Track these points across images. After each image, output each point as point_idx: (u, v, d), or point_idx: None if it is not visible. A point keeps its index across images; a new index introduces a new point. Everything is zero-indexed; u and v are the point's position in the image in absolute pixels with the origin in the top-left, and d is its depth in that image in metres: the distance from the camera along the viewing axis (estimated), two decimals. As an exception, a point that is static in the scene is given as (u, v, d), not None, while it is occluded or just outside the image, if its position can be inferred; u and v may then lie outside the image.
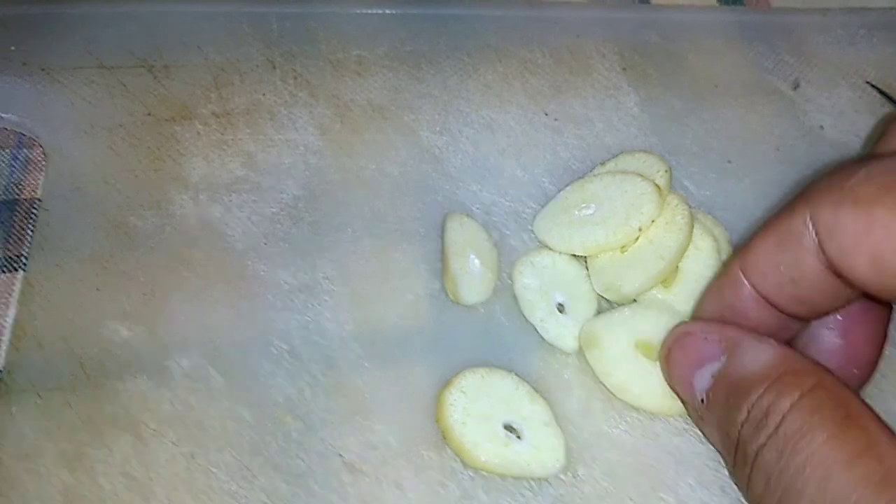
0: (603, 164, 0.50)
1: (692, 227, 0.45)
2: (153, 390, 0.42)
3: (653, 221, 0.45)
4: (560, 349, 0.45)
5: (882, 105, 0.56)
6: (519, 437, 0.41)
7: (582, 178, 0.49)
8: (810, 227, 0.34)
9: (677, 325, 0.41)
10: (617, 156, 0.50)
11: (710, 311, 0.41)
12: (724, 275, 0.40)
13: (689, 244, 0.45)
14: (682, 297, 0.44)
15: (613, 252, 0.46)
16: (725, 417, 0.36)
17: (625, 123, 0.54)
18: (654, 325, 0.43)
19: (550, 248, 0.47)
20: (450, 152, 0.52)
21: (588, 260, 0.46)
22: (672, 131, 0.54)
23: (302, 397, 0.43)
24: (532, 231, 0.48)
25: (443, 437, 0.41)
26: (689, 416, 0.40)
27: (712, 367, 0.38)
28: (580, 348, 0.44)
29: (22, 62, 0.55)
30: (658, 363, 0.42)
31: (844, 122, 0.55)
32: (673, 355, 0.40)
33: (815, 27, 0.61)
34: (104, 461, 0.40)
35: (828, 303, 0.37)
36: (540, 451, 0.41)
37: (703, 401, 0.38)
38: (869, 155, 0.37)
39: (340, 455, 0.41)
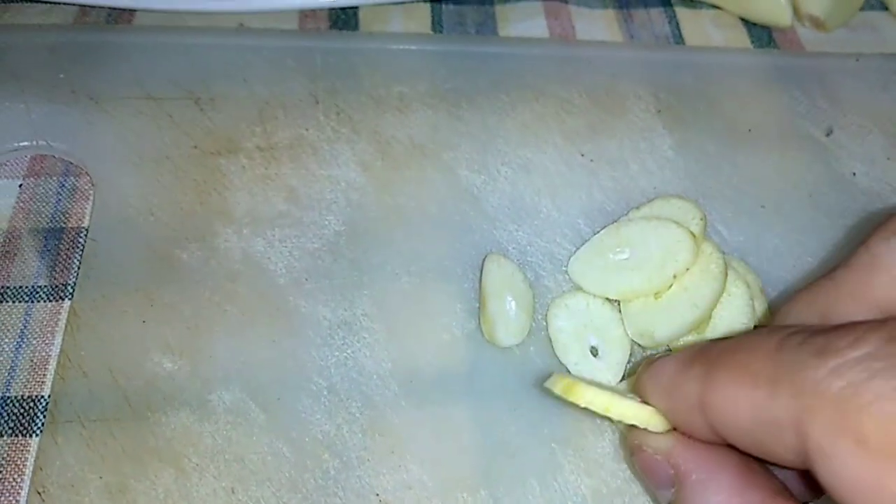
0: (637, 208, 0.51)
1: (726, 275, 0.46)
2: (196, 424, 0.43)
3: (687, 269, 0.46)
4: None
5: (915, 154, 0.57)
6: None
7: (617, 221, 0.50)
8: (794, 430, 0.29)
9: (635, 430, 0.37)
10: (652, 200, 0.51)
11: (655, 402, 0.36)
12: (678, 387, 0.34)
13: (723, 292, 0.46)
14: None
15: (647, 297, 0.46)
16: None
17: (659, 166, 0.55)
18: None
19: (585, 291, 0.48)
20: (487, 191, 0.53)
21: (622, 304, 0.47)
22: (706, 175, 0.55)
23: (340, 435, 0.44)
24: (567, 272, 0.49)
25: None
26: None
27: (666, 494, 0.35)
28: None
29: (71, 90, 0.56)
30: None
31: (876, 169, 0.56)
32: (635, 462, 0.38)
33: (849, 72, 0.62)
34: (147, 493, 0.41)
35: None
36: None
37: None
38: None
39: (377, 494, 0.42)
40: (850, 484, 0.26)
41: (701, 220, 0.48)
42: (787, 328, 0.30)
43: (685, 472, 0.34)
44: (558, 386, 0.38)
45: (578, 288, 0.48)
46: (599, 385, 0.39)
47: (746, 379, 0.30)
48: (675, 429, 0.36)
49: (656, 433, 0.36)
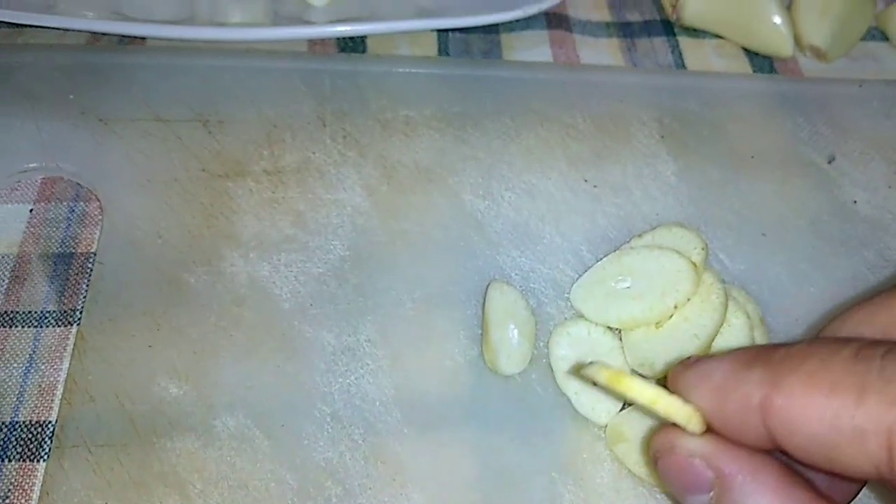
0: (640, 235, 0.51)
1: (727, 306, 0.46)
2: (200, 450, 0.44)
3: (688, 299, 0.46)
4: (593, 422, 0.46)
5: (916, 183, 0.57)
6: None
7: (619, 249, 0.50)
8: (884, 438, 0.28)
9: (664, 429, 0.36)
10: (654, 228, 0.51)
11: (699, 402, 0.34)
12: (735, 387, 0.33)
13: (723, 323, 0.46)
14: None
15: (648, 327, 0.47)
16: None
17: (662, 192, 0.56)
18: None
19: (586, 319, 0.48)
20: (491, 217, 0.54)
21: (623, 333, 0.48)
22: (708, 202, 0.55)
23: (342, 462, 0.44)
24: (569, 300, 0.50)
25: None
26: None
27: (701, 500, 0.34)
28: (609, 441, 0.45)
29: (80, 111, 0.57)
30: None
31: (878, 197, 0.56)
32: (661, 468, 0.36)
33: (852, 99, 0.62)
34: (152, 519, 0.42)
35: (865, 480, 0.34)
36: None
37: None
38: None
39: (378, 522, 0.43)
40: None
41: (702, 249, 0.49)
42: (858, 340, 0.30)
43: (730, 473, 0.33)
44: (602, 374, 0.35)
45: (580, 315, 0.49)
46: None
47: (823, 386, 0.29)
48: (709, 431, 0.34)
49: (693, 435, 0.34)
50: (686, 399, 0.34)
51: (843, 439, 0.29)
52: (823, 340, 0.32)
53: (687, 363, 0.35)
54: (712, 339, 0.46)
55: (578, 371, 0.39)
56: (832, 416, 0.29)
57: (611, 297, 0.48)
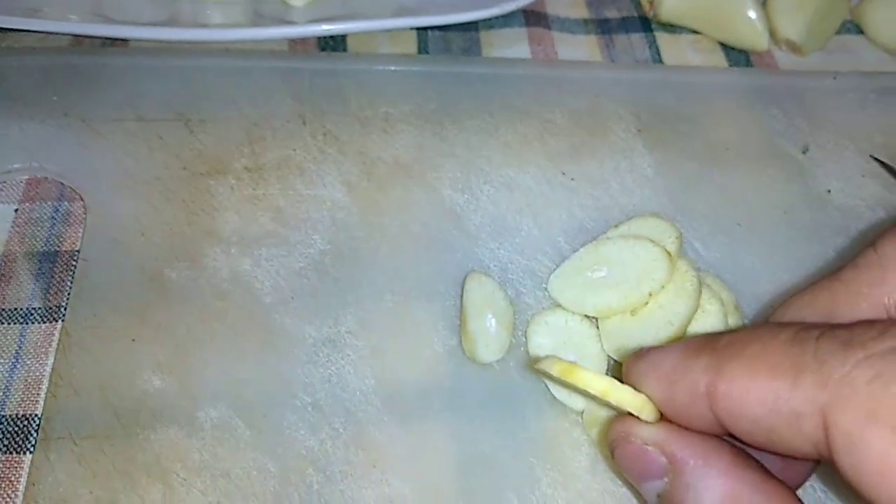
0: (616, 226, 0.52)
1: (700, 292, 0.47)
2: (183, 440, 0.45)
3: (663, 287, 0.47)
4: (571, 408, 0.46)
5: (888, 174, 0.58)
6: None
7: (596, 240, 0.51)
8: (818, 419, 0.29)
9: (619, 419, 0.37)
10: (630, 219, 0.52)
11: (650, 391, 0.35)
12: (683, 375, 0.34)
13: (697, 309, 0.47)
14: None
15: (624, 315, 0.48)
16: None
17: (639, 185, 0.56)
18: None
19: (564, 308, 0.49)
20: (470, 210, 0.54)
21: (599, 321, 0.48)
22: (684, 193, 0.56)
23: (323, 450, 0.45)
24: (547, 290, 0.50)
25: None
26: None
27: (656, 485, 0.34)
28: (585, 426, 0.46)
29: (63, 112, 0.58)
30: None
31: (851, 186, 0.57)
32: (617, 457, 0.37)
33: (826, 91, 0.63)
34: (136, 508, 0.43)
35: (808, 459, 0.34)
36: None
37: None
38: None
39: (358, 508, 0.43)
40: (880, 469, 0.27)
41: (677, 238, 0.49)
42: (797, 324, 0.31)
43: (682, 458, 0.33)
44: (555, 368, 0.37)
45: (558, 305, 0.49)
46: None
47: (763, 370, 0.30)
48: (663, 419, 0.35)
49: (647, 423, 0.35)
50: (638, 389, 0.35)
51: (781, 421, 0.30)
52: (765, 325, 0.33)
53: (639, 353, 0.36)
54: (686, 326, 0.46)
55: (534, 365, 0.40)
56: (772, 399, 0.30)
57: (587, 286, 0.49)
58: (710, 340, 0.33)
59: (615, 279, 0.48)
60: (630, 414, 0.35)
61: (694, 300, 0.47)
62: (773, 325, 0.32)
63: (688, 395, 0.33)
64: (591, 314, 0.49)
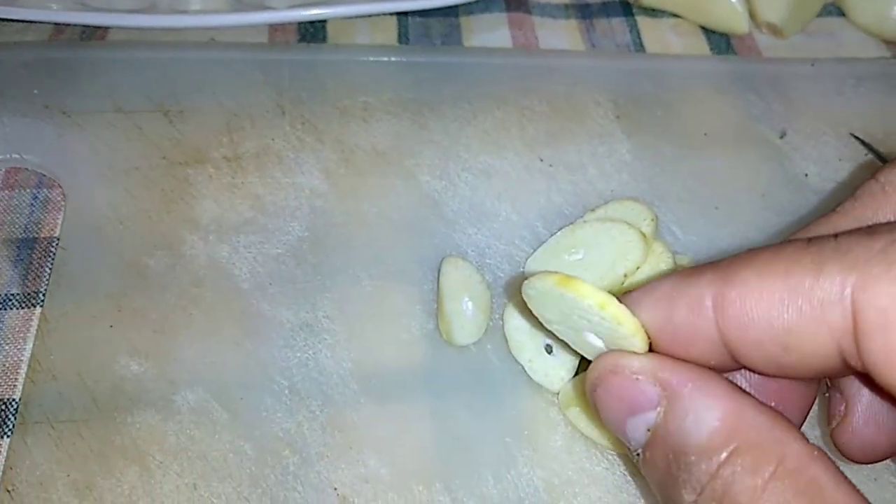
0: (593, 210, 0.52)
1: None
2: (160, 423, 0.45)
3: (637, 268, 0.47)
4: (547, 388, 0.47)
5: (865, 154, 0.58)
6: None
7: (573, 223, 0.51)
8: (845, 305, 0.28)
9: (604, 354, 0.35)
10: (607, 203, 0.52)
11: (645, 317, 0.33)
12: (684, 292, 0.32)
13: None
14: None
15: None
16: (668, 488, 0.32)
17: (617, 170, 0.57)
18: None
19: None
20: (448, 196, 0.55)
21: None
22: (662, 178, 0.56)
23: (300, 432, 0.45)
24: (524, 274, 0.51)
25: None
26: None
27: (647, 418, 0.32)
28: (561, 405, 0.46)
29: (44, 105, 0.58)
30: None
31: (829, 170, 0.58)
32: (599, 394, 0.34)
33: (805, 77, 0.63)
34: (113, 490, 0.43)
35: (817, 375, 0.33)
36: None
37: (638, 455, 0.34)
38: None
39: (335, 488, 0.43)
40: None
41: (652, 220, 0.50)
42: (804, 237, 0.30)
43: (678, 383, 0.32)
44: (552, 278, 0.34)
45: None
46: None
47: (778, 270, 0.29)
48: (651, 352, 0.34)
49: (636, 354, 0.34)
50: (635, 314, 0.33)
51: (802, 318, 0.29)
52: (769, 245, 0.31)
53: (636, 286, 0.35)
54: None
55: (524, 289, 0.37)
56: (791, 296, 0.29)
57: (564, 269, 0.48)
58: (713, 262, 0.32)
59: (591, 261, 0.48)
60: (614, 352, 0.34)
61: None
62: (780, 243, 0.31)
63: (689, 313, 0.32)
64: (566, 297, 0.48)
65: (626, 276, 0.47)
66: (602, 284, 0.46)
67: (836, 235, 0.29)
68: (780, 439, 0.30)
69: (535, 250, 0.51)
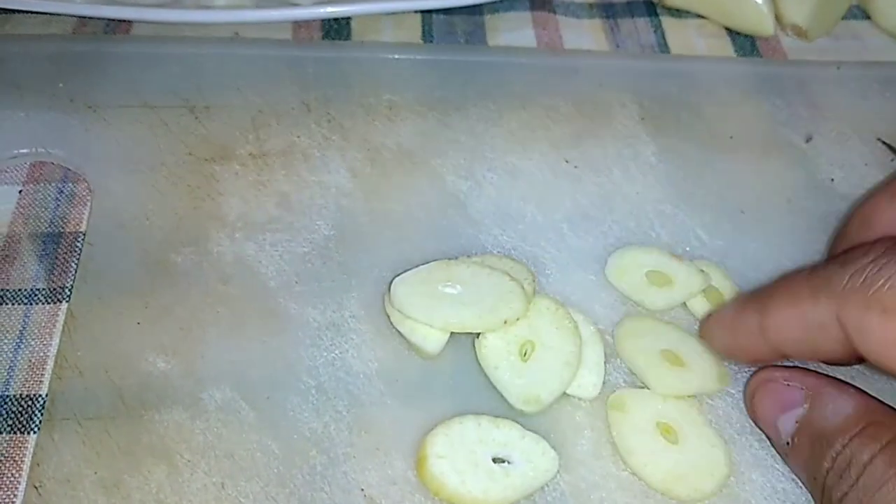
0: (468, 257, 0.51)
1: (578, 326, 0.48)
2: (188, 422, 0.45)
3: (518, 319, 0.47)
4: (577, 395, 0.47)
5: (892, 160, 0.58)
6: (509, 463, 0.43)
7: (446, 259, 0.50)
8: (837, 324, 0.38)
9: (759, 371, 0.45)
10: (483, 255, 0.52)
11: (720, 345, 0.46)
12: (740, 322, 0.44)
13: (581, 342, 0.47)
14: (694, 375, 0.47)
15: (510, 364, 0.46)
16: (811, 463, 0.40)
17: (642, 172, 0.57)
18: (678, 412, 0.46)
19: (408, 317, 0.47)
20: (473, 197, 0.55)
21: (489, 374, 0.47)
22: (687, 181, 0.56)
23: (327, 432, 0.45)
24: (389, 295, 0.48)
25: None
26: (778, 452, 0.44)
27: (795, 413, 0.41)
28: (607, 405, 0.46)
29: (69, 99, 0.58)
30: (672, 446, 0.45)
31: (854, 175, 0.57)
32: (757, 399, 0.44)
33: (830, 80, 0.63)
34: (140, 489, 0.43)
35: (848, 362, 0.42)
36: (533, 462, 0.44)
37: (788, 443, 0.42)
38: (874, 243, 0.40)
39: (362, 489, 0.43)
40: (883, 343, 0.36)
41: (533, 281, 0.49)
42: (816, 264, 0.41)
43: (819, 384, 0.42)
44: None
45: (401, 313, 0.48)
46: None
47: (792, 300, 0.40)
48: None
49: (782, 366, 0.44)
50: (710, 342, 0.47)
51: (815, 334, 0.39)
52: (791, 273, 0.42)
53: (706, 318, 0.48)
54: (580, 360, 0.46)
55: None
56: (803, 320, 0.40)
57: (437, 298, 0.47)
58: (754, 293, 0.44)
59: (470, 298, 0.47)
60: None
61: (577, 335, 0.47)
62: (798, 270, 0.42)
63: (747, 335, 0.43)
64: (440, 327, 0.47)
65: (506, 322, 0.46)
66: (481, 323, 0.46)
67: (826, 264, 0.40)
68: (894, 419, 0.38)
69: (405, 271, 0.49)
